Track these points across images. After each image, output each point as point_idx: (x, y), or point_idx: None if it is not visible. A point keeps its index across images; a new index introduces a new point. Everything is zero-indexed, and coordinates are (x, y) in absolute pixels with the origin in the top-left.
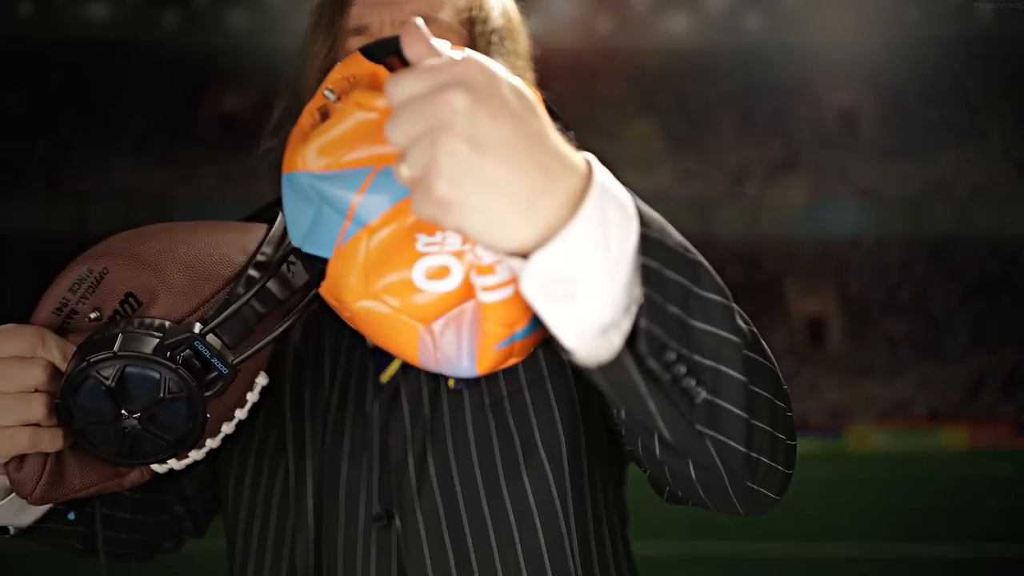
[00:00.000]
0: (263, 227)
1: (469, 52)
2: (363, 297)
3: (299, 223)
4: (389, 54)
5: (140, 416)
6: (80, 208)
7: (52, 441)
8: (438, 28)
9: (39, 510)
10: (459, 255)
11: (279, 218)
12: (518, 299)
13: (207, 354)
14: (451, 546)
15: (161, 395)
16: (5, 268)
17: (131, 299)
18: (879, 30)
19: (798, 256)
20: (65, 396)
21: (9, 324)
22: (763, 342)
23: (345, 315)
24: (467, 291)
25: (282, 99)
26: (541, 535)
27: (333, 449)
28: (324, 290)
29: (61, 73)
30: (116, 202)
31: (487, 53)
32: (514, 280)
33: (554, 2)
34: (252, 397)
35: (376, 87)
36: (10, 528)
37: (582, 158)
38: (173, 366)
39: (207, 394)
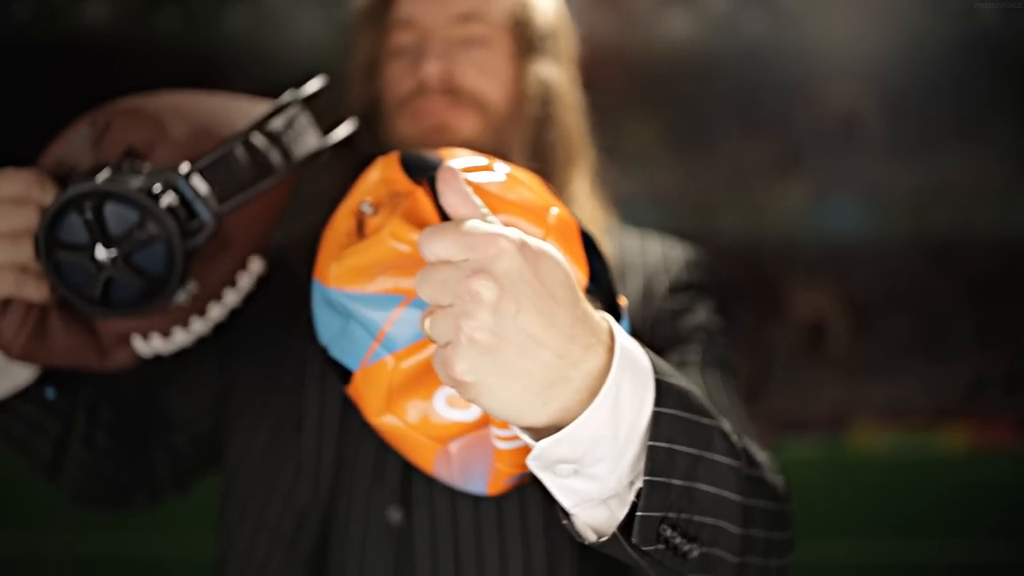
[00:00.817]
0: (274, 102)
1: (501, 230)
2: (385, 413)
3: (328, 329)
4: (428, 175)
5: (116, 254)
6: None
7: (37, 289)
8: (482, 27)
9: (13, 382)
10: None
11: (291, 97)
12: (525, 448)
13: (189, 196)
14: (452, 554)
15: (139, 234)
16: None
17: (132, 153)
18: (880, 30)
19: (799, 256)
20: (44, 228)
21: (8, 167)
22: (765, 474)
23: (364, 416)
24: (486, 419)
25: (324, 95)
26: (542, 558)
27: (347, 438)
28: (351, 391)
29: (60, 73)
30: None
31: (535, 52)
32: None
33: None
34: (246, 283)
35: (412, 218)
36: None
37: (606, 328)
38: (152, 204)
39: (188, 240)
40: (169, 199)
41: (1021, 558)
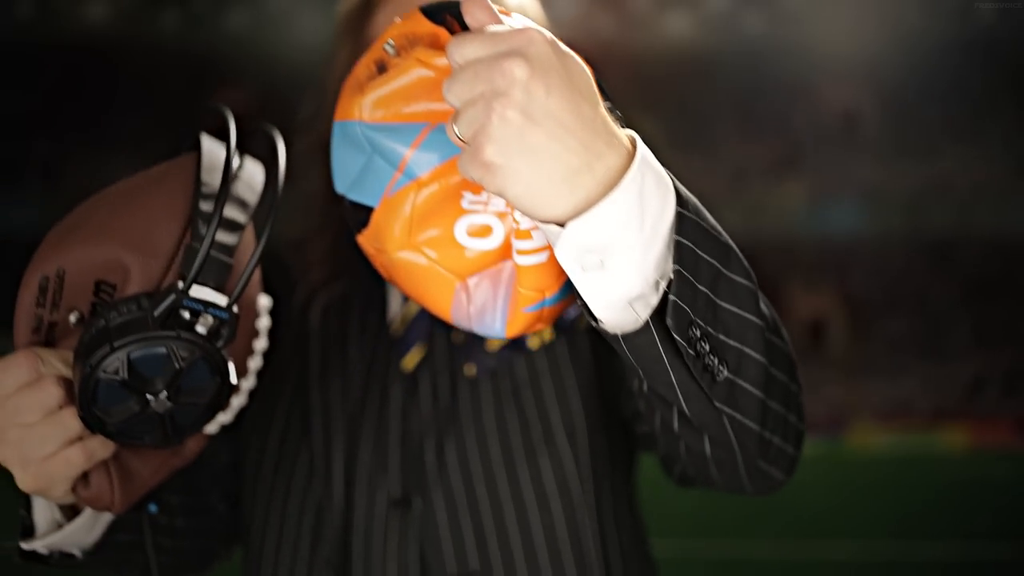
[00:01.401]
0: (187, 161)
1: (531, 24)
2: (405, 248)
3: (347, 171)
4: (450, 16)
5: (167, 394)
6: None
7: (103, 446)
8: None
9: (103, 527)
10: (502, 216)
11: (203, 145)
12: (551, 265)
13: (200, 308)
14: (472, 528)
15: (177, 366)
16: (4, 268)
17: (103, 286)
18: (880, 30)
19: (798, 256)
20: (85, 407)
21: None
22: (782, 328)
23: (381, 262)
24: (506, 251)
25: (309, 101)
26: (560, 517)
27: (355, 434)
28: (364, 238)
29: (60, 73)
30: None
31: None
32: (549, 247)
33: (554, 2)
34: (263, 323)
35: (436, 46)
36: (77, 552)
37: (628, 137)
38: (174, 334)
39: (219, 344)
40: (181, 316)
41: (1021, 558)
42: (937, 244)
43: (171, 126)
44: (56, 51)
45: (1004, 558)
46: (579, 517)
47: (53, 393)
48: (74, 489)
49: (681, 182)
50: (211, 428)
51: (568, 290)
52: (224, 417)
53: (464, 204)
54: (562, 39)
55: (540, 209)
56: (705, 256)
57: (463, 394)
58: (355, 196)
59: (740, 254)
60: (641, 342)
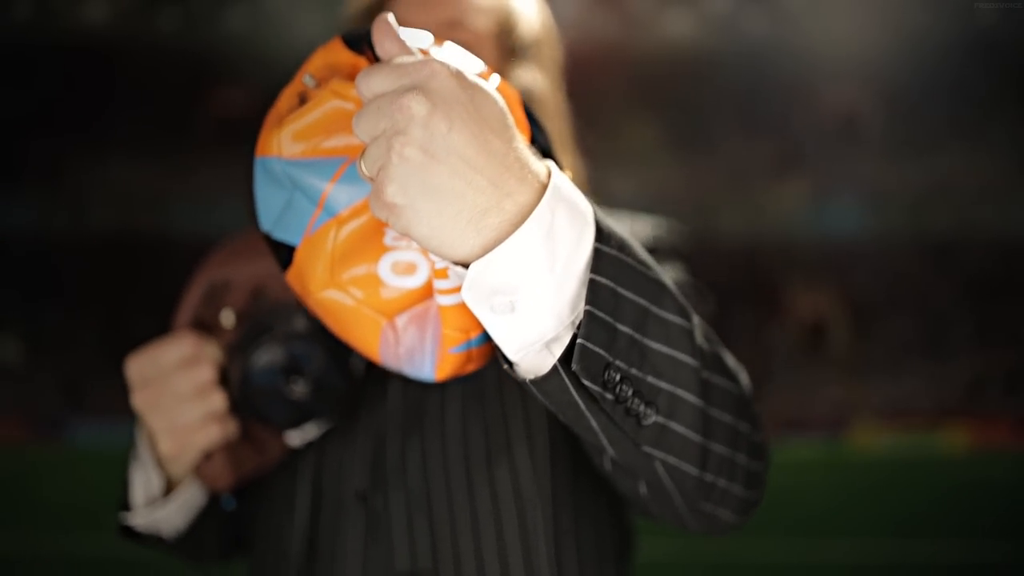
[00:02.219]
0: None
1: (438, 56)
2: (328, 287)
3: (270, 209)
4: (368, 46)
5: (310, 386)
6: (79, 208)
7: (234, 428)
8: (467, 34)
9: (190, 512)
10: (426, 252)
11: None
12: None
13: None
14: (428, 527)
15: (324, 360)
16: (3, 267)
17: (261, 294)
18: (880, 30)
19: (798, 256)
20: (244, 383)
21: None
22: (728, 363)
23: (309, 303)
24: (431, 287)
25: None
26: (513, 529)
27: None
28: (290, 277)
29: (59, 73)
30: (115, 202)
31: (519, 60)
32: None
33: (554, 2)
34: None
35: (354, 77)
36: (167, 534)
37: (544, 170)
38: (332, 339)
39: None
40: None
41: (1021, 558)
42: (938, 244)
43: (170, 126)
44: (55, 51)
45: (1005, 558)
46: (531, 526)
47: (207, 372)
48: (196, 468)
49: (681, 182)
50: (295, 440)
51: None
52: (311, 433)
53: (387, 241)
54: (562, 40)
55: (446, 250)
56: (628, 294)
57: (432, 393)
58: (279, 235)
59: (675, 291)
60: (552, 387)
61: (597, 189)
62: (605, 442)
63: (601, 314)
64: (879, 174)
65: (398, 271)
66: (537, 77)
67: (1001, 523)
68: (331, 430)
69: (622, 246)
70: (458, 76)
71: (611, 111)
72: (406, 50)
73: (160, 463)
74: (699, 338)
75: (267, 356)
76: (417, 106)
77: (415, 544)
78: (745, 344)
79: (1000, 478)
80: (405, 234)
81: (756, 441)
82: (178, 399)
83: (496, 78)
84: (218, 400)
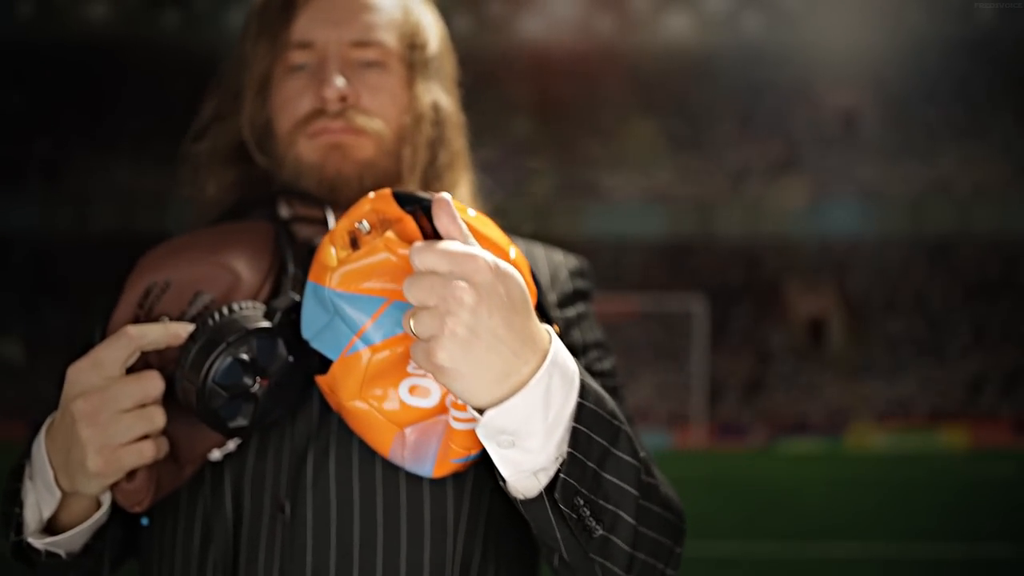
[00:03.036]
0: (264, 224)
1: (480, 250)
2: (356, 398)
3: (313, 323)
4: (417, 208)
5: (271, 382)
6: (80, 208)
7: (165, 448)
8: (380, 51)
9: (91, 533)
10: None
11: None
12: (474, 434)
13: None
14: (335, 545)
15: (289, 358)
16: (5, 268)
17: (201, 296)
18: (879, 30)
19: (798, 256)
20: (206, 380)
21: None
22: (663, 493)
23: (333, 400)
24: (441, 409)
25: (211, 101)
26: (427, 554)
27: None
28: (322, 380)
29: (61, 73)
30: (116, 202)
31: (425, 77)
32: (473, 419)
33: (554, 2)
34: None
35: (403, 236)
36: (63, 553)
37: (546, 338)
38: (290, 330)
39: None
40: (290, 323)
41: (1020, 557)
42: (937, 244)
43: (171, 126)
44: (56, 51)
45: (1004, 557)
46: (446, 563)
47: (155, 387)
48: (115, 484)
49: (681, 182)
50: (215, 455)
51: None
52: (231, 445)
53: (409, 368)
54: (562, 40)
55: (474, 400)
56: (597, 438)
57: None
58: (317, 345)
59: (630, 434)
60: (536, 506)
61: (597, 189)
62: (563, 548)
63: (579, 455)
64: (879, 174)
65: (415, 393)
66: (442, 95)
67: (1000, 522)
68: (245, 445)
69: (597, 400)
70: (495, 270)
71: (611, 112)
72: (460, 231)
73: (57, 477)
74: (643, 475)
75: (233, 353)
76: (467, 297)
77: (324, 559)
78: (745, 344)
79: (999, 478)
80: (445, 386)
81: (676, 553)
82: (117, 416)
83: (514, 251)
84: (159, 419)
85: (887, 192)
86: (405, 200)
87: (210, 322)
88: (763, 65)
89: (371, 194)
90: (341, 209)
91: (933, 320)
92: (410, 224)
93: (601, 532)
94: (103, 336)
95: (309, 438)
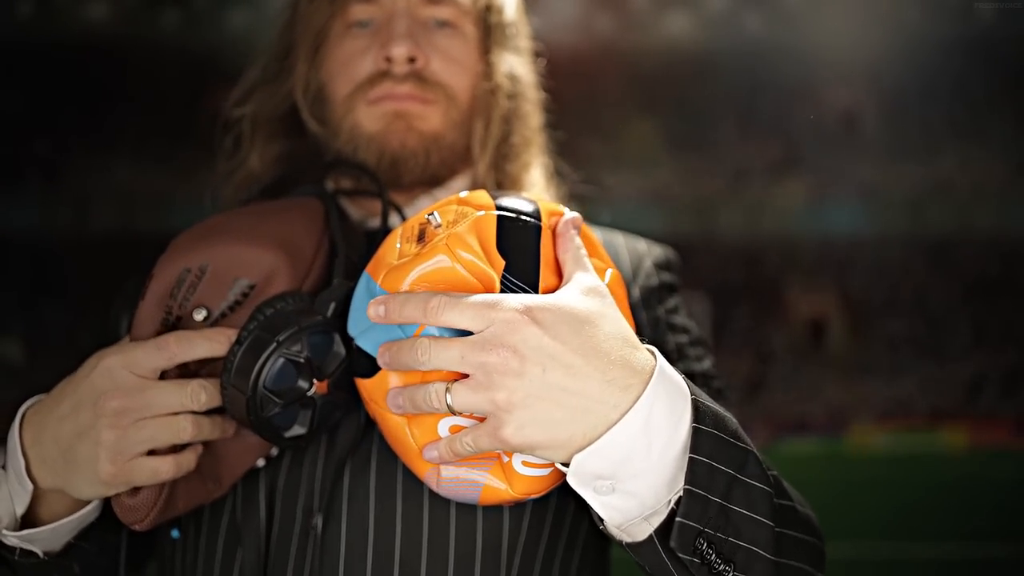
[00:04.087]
0: (313, 200)
1: (505, 299)
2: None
3: (361, 320)
4: (510, 220)
5: (329, 383)
6: (80, 208)
7: (189, 464)
8: (453, 10)
9: (76, 531)
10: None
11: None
12: (551, 477)
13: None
14: (371, 566)
15: (343, 356)
16: (5, 268)
17: (241, 282)
18: (879, 30)
19: (798, 256)
20: (256, 386)
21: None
22: (800, 514)
23: (372, 409)
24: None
25: (257, 63)
26: (476, 569)
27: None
28: (364, 385)
29: (61, 73)
30: (116, 202)
31: (501, 43)
32: (552, 464)
33: (554, 2)
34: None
35: (478, 231)
36: (40, 551)
37: (648, 364)
38: (344, 324)
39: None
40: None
41: (1019, 558)
42: (937, 244)
43: (171, 126)
44: (56, 51)
45: (1003, 558)
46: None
47: (197, 394)
48: (115, 495)
49: (681, 182)
50: (260, 462)
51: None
52: (274, 451)
53: None
54: (561, 40)
55: (563, 458)
56: (721, 467)
57: None
58: (363, 343)
59: (759, 456)
60: (646, 551)
61: (598, 189)
62: None
63: (698, 490)
64: (879, 174)
65: (452, 431)
66: (520, 65)
67: (999, 523)
68: (281, 454)
69: (717, 421)
70: (532, 315)
71: (611, 111)
72: (574, 259)
73: (31, 469)
74: (777, 498)
75: (285, 353)
76: (511, 363)
77: (355, 561)
78: (745, 344)
79: (998, 478)
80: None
81: (814, 564)
82: (142, 423)
83: (610, 271)
84: (187, 431)
85: (887, 192)
86: (506, 210)
87: (257, 319)
88: (763, 65)
89: (463, 192)
90: (402, 189)
91: (933, 320)
92: (487, 224)
93: (732, 573)
94: (129, 326)
95: (350, 448)
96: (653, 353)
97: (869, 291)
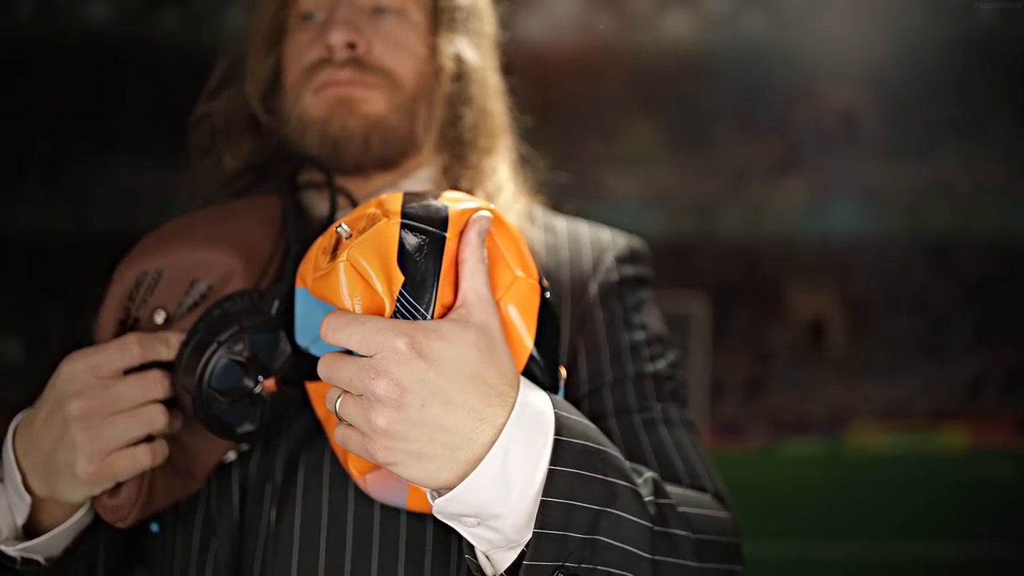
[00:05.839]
0: (273, 199)
1: (398, 329)
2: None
3: (308, 330)
4: (409, 230)
5: (277, 379)
6: (80, 208)
7: (164, 452)
8: None
9: (73, 536)
10: None
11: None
12: None
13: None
14: (324, 560)
15: (290, 351)
16: (5, 268)
17: (198, 284)
18: (879, 30)
19: (798, 256)
20: (201, 385)
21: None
22: (682, 548)
23: (318, 412)
24: None
25: (223, 62)
26: (429, 573)
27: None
28: (313, 387)
29: (61, 73)
30: (116, 202)
31: (450, 28)
32: None
33: (554, 2)
34: None
35: (379, 241)
36: (41, 559)
37: (510, 405)
38: (292, 320)
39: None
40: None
41: (1020, 558)
42: (937, 244)
43: (171, 126)
44: (56, 51)
45: (1005, 558)
46: (425, 570)
47: (157, 384)
48: (96, 496)
49: (681, 182)
50: (230, 457)
51: None
52: (244, 445)
53: None
54: (561, 40)
55: (429, 486)
56: (581, 504)
57: None
58: (317, 352)
59: (637, 490)
60: None
61: (597, 189)
62: None
63: (551, 531)
64: (879, 174)
65: None
66: (469, 49)
67: (1000, 523)
68: (254, 447)
69: (583, 458)
70: (418, 349)
71: (611, 111)
72: (475, 264)
73: (27, 480)
74: (659, 526)
75: (228, 353)
76: (389, 392)
77: (312, 566)
78: (745, 344)
79: (999, 478)
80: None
81: (738, 571)
82: (113, 418)
83: (521, 273)
84: (159, 418)
85: (887, 192)
86: (412, 211)
87: (204, 320)
88: (763, 65)
89: (384, 193)
90: (347, 172)
91: (933, 320)
92: (388, 236)
93: None
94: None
95: (302, 443)
96: (521, 384)
97: (869, 291)
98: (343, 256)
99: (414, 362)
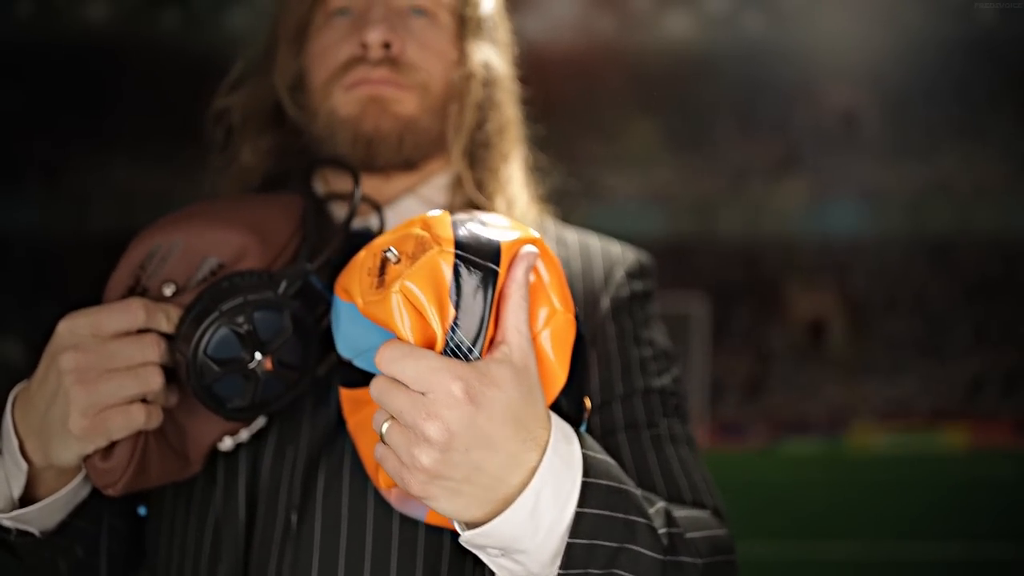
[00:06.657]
0: (295, 196)
1: (453, 371)
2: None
3: (356, 343)
4: (461, 262)
5: (271, 358)
6: (80, 208)
7: (159, 416)
8: (431, 1)
9: (69, 509)
10: None
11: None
12: None
13: (320, 287)
14: (344, 564)
15: (291, 333)
16: (4, 268)
17: (209, 260)
18: (880, 30)
19: (798, 256)
20: (196, 352)
21: (107, 304)
22: (691, 532)
23: (347, 417)
24: None
25: (244, 55)
26: (426, 569)
27: (259, 442)
28: (347, 394)
29: (60, 73)
30: (116, 202)
31: (477, 35)
32: None
33: (554, 2)
34: None
35: (429, 270)
36: (36, 531)
37: (542, 447)
38: (296, 303)
39: (320, 326)
40: (299, 296)
41: (1020, 558)
42: (937, 244)
43: (171, 126)
44: (56, 51)
45: (1004, 558)
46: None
47: (154, 350)
48: (88, 458)
49: (681, 182)
50: (226, 444)
51: None
52: (243, 435)
53: None
54: (561, 40)
55: (460, 521)
56: (603, 543)
57: None
58: (361, 364)
59: (654, 526)
60: None
61: (598, 189)
62: None
63: (575, 571)
64: (879, 174)
65: None
66: (495, 56)
67: (1000, 523)
68: (264, 444)
69: (608, 498)
70: (472, 396)
71: (611, 111)
72: (519, 300)
73: (24, 447)
74: (670, 554)
75: (228, 322)
76: (438, 436)
77: (332, 571)
78: (745, 344)
79: (999, 478)
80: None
81: None
82: (109, 375)
83: (560, 307)
84: (155, 380)
85: (887, 192)
86: (465, 242)
87: (210, 290)
88: (763, 65)
89: (430, 212)
90: (377, 172)
91: (933, 320)
92: (443, 270)
93: None
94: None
95: (323, 445)
96: (554, 427)
97: (869, 291)
98: (396, 287)
99: (466, 408)
